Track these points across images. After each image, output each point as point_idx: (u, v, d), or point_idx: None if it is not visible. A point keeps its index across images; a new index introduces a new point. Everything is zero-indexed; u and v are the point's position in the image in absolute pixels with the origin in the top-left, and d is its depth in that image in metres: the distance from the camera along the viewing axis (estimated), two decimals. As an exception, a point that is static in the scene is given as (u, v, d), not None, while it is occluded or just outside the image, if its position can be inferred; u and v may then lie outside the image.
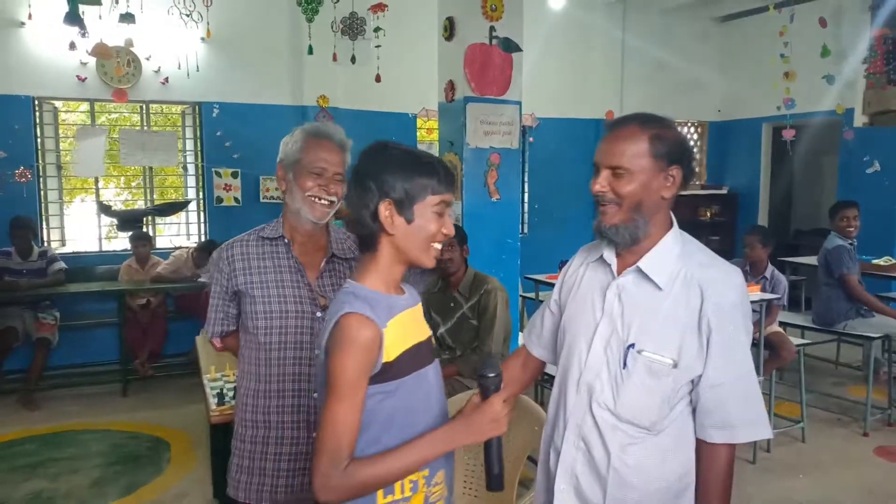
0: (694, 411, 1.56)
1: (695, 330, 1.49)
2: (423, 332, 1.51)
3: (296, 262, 1.92)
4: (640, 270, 1.56)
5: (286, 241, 1.93)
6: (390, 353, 1.39)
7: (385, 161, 1.41)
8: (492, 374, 1.44)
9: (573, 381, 1.62)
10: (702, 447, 1.55)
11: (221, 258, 1.95)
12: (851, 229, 4.89)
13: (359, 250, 1.48)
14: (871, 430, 4.59)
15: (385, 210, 1.39)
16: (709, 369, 1.49)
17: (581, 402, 1.60)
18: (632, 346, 1.53)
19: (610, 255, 1.62)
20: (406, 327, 1.44)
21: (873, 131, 6.92)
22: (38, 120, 5.93)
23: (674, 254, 1.56)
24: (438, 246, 1.46)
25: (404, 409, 1.42)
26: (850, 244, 4.87)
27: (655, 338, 1.52)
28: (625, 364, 1.54)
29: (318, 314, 1.89)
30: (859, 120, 6.91)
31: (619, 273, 1.60)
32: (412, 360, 1.44)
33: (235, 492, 1.94)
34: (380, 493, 1.40)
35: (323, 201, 1.88)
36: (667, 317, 1.52)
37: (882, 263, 5.55)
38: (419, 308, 1.54)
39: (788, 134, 6.46)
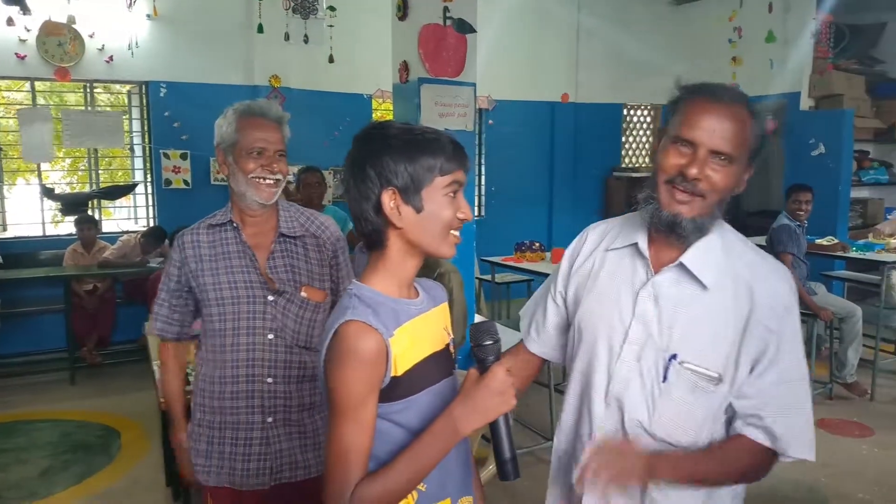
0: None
1: (746, 337, 1.31)
2: (439, 340, 1.32)
3: (244, 247, 1.89)
4: (682, 266, 1.34)
5: (234, 225, 1.90)
6: (399, 365, 1.21)
7: (382, 143, 1.20)
8: (489, 342, 1.21)
9: (599, 392, 1.40)
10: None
11: (174, 247, 1.95)
12: (802, 213, 5.00)
13: (366, 250, 1.31)
14: (814, 405, 4.74)
15: (389, 200, 1.20)
16: (755, 375, 1.33)
17: (611, 417, 1.39)
18: (674, 356, 1.32)
19: (645, 246, 1.38)
20: (418, 336, 1.26)
21: (819, 114, 7.12)
22: (-26, 99, 5.70)
23: (717, 247, 1.35)
24: (457, 232, 1.27)
25: (415, 434, 1.22)
26: (798, 226, 5.00)
27: (702, 348, 1.31)
28: (665, 377, 1.33)
29: (270, 298, 1.88)
30: (805, 103, 7.10)
31: (655, 268, 1.37)
32: (425, 374, 1.26)
33: (196, 474, 1.96)
34: None
35: (268, 181, 1.85)
36: (715, 322, 1.31)
37: (825, 243, 5.71)
38: (438, 311, 1.35)
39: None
